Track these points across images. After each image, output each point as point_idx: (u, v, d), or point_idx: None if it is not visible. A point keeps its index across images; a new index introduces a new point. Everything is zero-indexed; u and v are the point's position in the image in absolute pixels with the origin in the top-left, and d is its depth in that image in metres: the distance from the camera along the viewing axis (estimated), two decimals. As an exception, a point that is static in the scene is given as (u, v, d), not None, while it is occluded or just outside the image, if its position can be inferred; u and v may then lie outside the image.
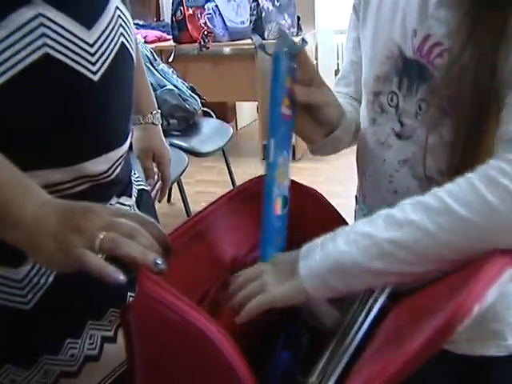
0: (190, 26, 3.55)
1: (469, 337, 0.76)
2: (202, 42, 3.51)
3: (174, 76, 2.77)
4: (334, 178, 3.30)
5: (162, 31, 3.99)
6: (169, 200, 3.24)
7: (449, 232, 0.57)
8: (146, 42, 3.53)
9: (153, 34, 3.91)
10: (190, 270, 0.68)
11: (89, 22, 0.71)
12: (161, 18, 4.67)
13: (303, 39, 2.93)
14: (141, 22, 4.13)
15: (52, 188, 0.73)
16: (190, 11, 3.55)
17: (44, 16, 0.67)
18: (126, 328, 0.62)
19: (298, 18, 3.69)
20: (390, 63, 0.77)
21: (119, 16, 0.77)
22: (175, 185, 2.81)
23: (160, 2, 4.70)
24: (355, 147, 0.91)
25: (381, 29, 0.79)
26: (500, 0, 0.65)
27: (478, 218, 0.56)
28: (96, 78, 0.73)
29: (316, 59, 4.22)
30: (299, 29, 3.69)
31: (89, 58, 0.72)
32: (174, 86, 2.69)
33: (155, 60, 2.74)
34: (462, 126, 0.68)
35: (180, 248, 0.66)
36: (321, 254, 0.62)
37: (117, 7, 0.76)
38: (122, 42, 0.77)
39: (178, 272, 0.62)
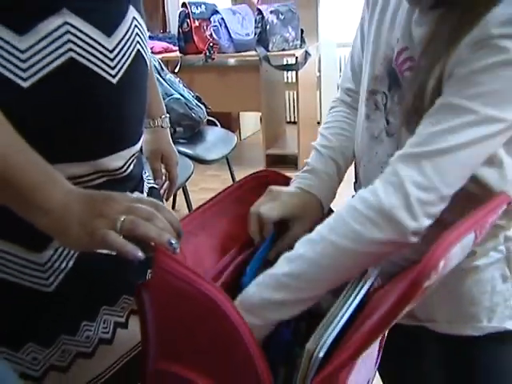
0: (196, 38, 3.65)
1: (449, 318, 0.84)
2: (208, 53, 3.60)
3: (181, 85, 2.86)
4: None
5: (168, 42, 4.09)
6: (173, 206, 3.31)
7: (326, 257, 0.69)
8: (153, 53, 3.63)
9: (159, 45, 4.01)
10: (198, 254, 0.75)
11: (109, 30, 0.79)
12: (167, 30, 4.77)
13: (307, 52, 3.07)
14: (148, 33, 4.22)
15: (72, 180, 0.79)
16: (197, 23, 3.65)
17: (70, 24, 0.74)
18: (141, 306, 0.69)
19: (302, 31, 3.77)
20: (385, 65, 0.84)
21: (136, 26, 0.84)
22: (180, 191, 2.88)
23: (166, 14, 4.80)
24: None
25: (383, 30, 0.85)
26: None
27: (346, 242, 0.68)
28: (115, 80, 0.80)
29: (319, 71, 4.31)
30: (303, 41, 3.77)
31: (108, 62, 0.79)
32: (181, 95, 2.78)
33: (163, 70, 2.82)
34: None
35: (189, 233, 0.73)
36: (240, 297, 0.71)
37: (134, 17, 0.84)
38: (138, 49, 0.84)
39: (188, 255, 0.69)
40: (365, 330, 0.54)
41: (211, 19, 3.64)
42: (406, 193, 0.66)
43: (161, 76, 2.76)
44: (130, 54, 0.82)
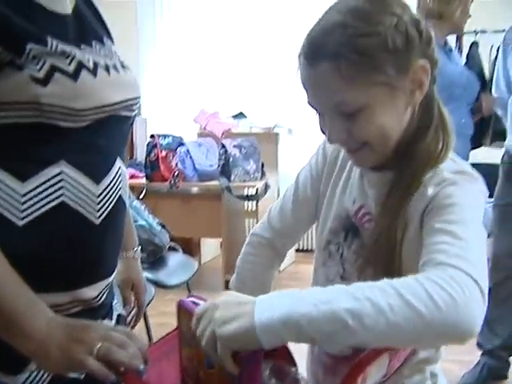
0: (162, 167, 3.84)
1: None
2: (173, 182, 3.79)
3: (146, 212, 2.99)
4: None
5: (135, 169, 4.27)
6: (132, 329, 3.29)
7: (396, 313, 0.67)
8: (119, 179, 3.78)
9: (126, 171, 4.17)
10: (161, 380, 0.84)
11: (98, 178, 0.92)
12: (134, 157, 4.98)
13: (266, 183, 3.30)
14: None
15: (51, 309, 0.89)
16: (163, 153, 3.87)
17: (65, 173, 0.87)
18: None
19: (262, 165, 4.03)
20: (339, 220, 1.00)
21: (120, 174, 0.98)
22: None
23: (134, 143, 5.03)
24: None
25: (337, 191, 1.02)
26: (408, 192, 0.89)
27: (423, 308, 0.67)
28: (98, 221, 0.92)
29: (278, 201, 4.53)
30: (263, 174, 4.01)
31: (94, 206, 0.91)
32: (146, 221, 2.90)
33: (129, 197, 2.95)
34: (381, 271, 0.89)
35: (155, 360, 0.82)
36: (279, 312, 0.69)
37: (119, 167, 0.98)
38: (120, 194, 0.97)
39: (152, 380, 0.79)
40: None
41: (177, 150, 3.87)
42: (476, 281, 0.71)
43: (127, 203, 2.89)
44: (114, 198, 0.95)
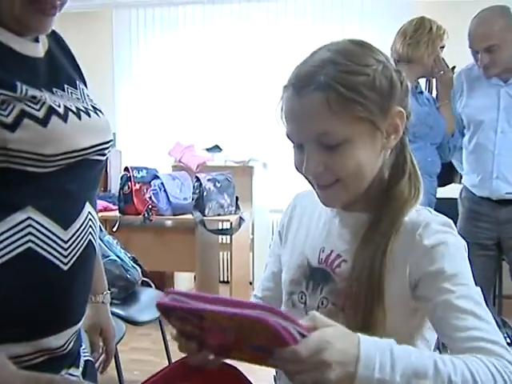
0: (135, 200, 3.81)
1: None
2: (146, 215, 3.75)
3: (118, 247, 2.95)
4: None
5: (108, 202, 4.22)
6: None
7: None
8: (92, 212, 3.73)
9: (100, 203, 4.13)
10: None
11: (66, 224, 0.91)
12: (108, 189, 4.94)
13: (241, 217, 3.30)
14: (89, 192, 4.37)
15: (13, 360, 0.86)
16: (137, 186, 3.84)
17: (32, 219, 0.86)
18: None
19: (237, 198, 4.01)
20: (300, 271, 1.02)
21: (90, 219, 0.96)
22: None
23: (108, 174, 5.00)
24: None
25: (297, 245, 1.05)
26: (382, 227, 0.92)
27: None
28: (66, 268, 0.90)
29: (252, 234, 4.52)
30: (237, 208, 4.00)
31: (62, 251, 0.90)
32: (118, 256, 2.86)
33: (101, 231, 2.92)
34: (353, 317, 0.89)
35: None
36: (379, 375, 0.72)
37: (89, 212, 0.97)
38: (90, 239, 0.96)
39: None
40: None
41: (151, 183, 3.85)
42: None
43: (99, 237, 2.85)
44: (83, 244, 0.94)
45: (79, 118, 0.92)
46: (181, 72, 5.17)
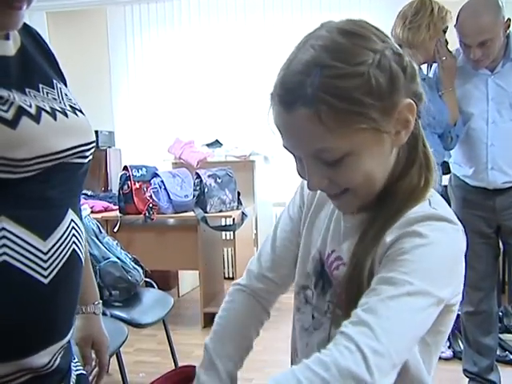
0: (136, 199, 3.75)
1: None
2: (147, 214, 3.70)
3: (118, 248, 2.89)
4: (273, 347, 3.34)
5: (109, 202, 4.18)
6: (107, 371, 3.17)
7: None
8: (93, 212, 3.69)
9: (100, 204, 4.09)
10: None
11: (45, 234, 0.84)
12: (109, 188, 4.90)
13: (243, 213, 3.23)
14: (89, 193, 4.33)
15: None
16: (137, 185, 3.78)
17: (6, 230, 0.79)
18: None
19: (239, 194, 3.95)
20: (313, 264, 0.93)
21: (73, 227, 0.90)
22: (114, 355, 2.79)
23: (109, 174, 4.96)
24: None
25: (314, 233, 0.96)
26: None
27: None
28: (46, 281, 0.84)
29: (256, 229, 4.47)
30: (239, 203, 3.94)
31: (41, 264, 0.83)
32: (118, 258, 2.80)
33: (101, 233, 2.87)
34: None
35: None
36: None
37: (72, 220, 0.90)
38: (74, 249, 0.89)
39: None
40: None
41: (151, 181, 3.79)
42: (364, 356, 0.67)
43: (98, 239, 2.80)
44: (65, 254, 0.87)
45: (54, 118, 0.85)
46: (178, 67, 5.11)
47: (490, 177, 2.42)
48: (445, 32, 2.36)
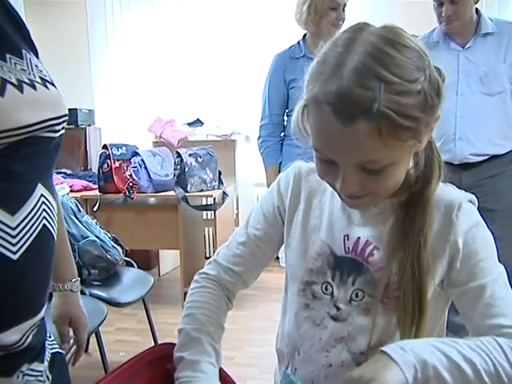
0: (115, 178, 3.71)
1: None
2: (127, 193, 3.66)
3: (98, 227, 2.87)
4: (252, 326, 3.36)
5: (88, 181, 4.13)
6: (86, 350, 3.17)
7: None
8: (72, 191, 3.64)
9: (79, 183, 4.04)
10: None
11: (13, 209, 0.82)
12: (88, 167, 4.84)
13: (224, 192, 3.21)
14: (68, 172, 4.27)
15: None
16: (117, 164, 3.74)
17: None
18: None
19: (220, 173, 3.93)
20: (322, 259, 0.94)
21: (43, 202, 0.87)
22: (93, 334, 2.78)
23: (88, 152, 4.89)
24: (277, 300, 1.02)
25: (310, 231, 0.96)
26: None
27: None
28: (15, 257, 0.81)
29: (237, 209, 4.46)
30: (220, 182, 3.92)
31: (10, 239, 0.81)
32: (97, 237, 2.78)
33: (79, 212, 2.84)
34: (397, 310, 0.86)
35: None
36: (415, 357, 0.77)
37: (42, 195, 0.87)
38: (44, 225, 0.87)
39: None
40: None
41: (131, 160, 3.75)
42: None
43: (77, 218, 2.77)
44: (35, 230, 0.85)
45: (21, 91, 0.82)
46: (159, 45, 5.04)
47: (457, 147, 2.44)
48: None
